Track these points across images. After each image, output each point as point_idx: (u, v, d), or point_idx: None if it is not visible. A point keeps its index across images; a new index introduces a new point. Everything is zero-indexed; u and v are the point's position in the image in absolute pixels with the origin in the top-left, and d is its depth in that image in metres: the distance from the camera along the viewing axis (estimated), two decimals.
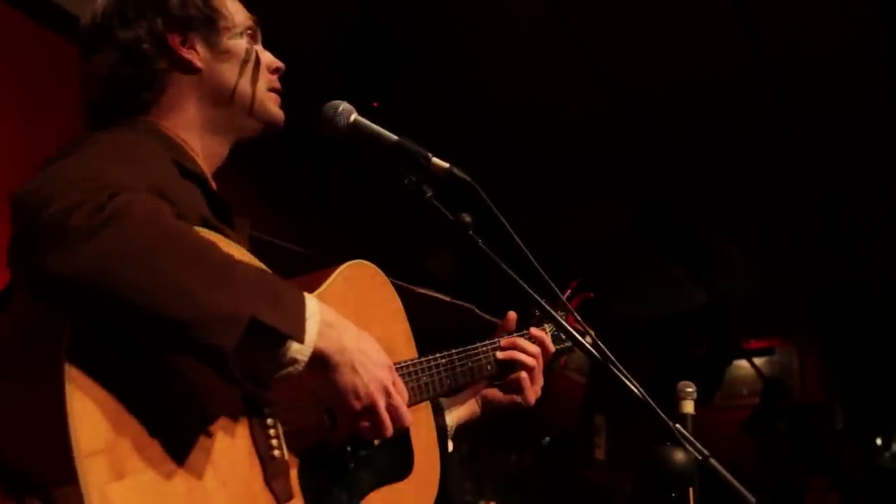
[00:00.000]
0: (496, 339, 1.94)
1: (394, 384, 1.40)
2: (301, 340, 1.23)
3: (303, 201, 4.92)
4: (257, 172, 4.02)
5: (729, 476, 1.46)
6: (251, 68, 1.62)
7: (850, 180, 5.78)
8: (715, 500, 1.74)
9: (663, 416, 1.48)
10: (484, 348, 1.90)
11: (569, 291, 2.08)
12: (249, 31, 1.65)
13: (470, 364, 1.84)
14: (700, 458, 1.48)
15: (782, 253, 7.05)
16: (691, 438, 1.51)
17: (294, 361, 1.24)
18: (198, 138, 1.58)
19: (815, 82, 4.65)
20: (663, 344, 7.90)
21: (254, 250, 1.61)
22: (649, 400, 1.47)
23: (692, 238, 6.49)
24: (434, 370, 1.74)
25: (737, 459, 2.33)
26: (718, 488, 1.50)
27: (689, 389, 2.04)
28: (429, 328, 1.93)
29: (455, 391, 1.88)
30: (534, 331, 1.98)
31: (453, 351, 1.81)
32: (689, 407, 2.03)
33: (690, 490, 1.80)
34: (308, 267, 1.66)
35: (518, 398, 1.94)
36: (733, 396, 8.22)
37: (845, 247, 6.88)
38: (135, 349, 1.16)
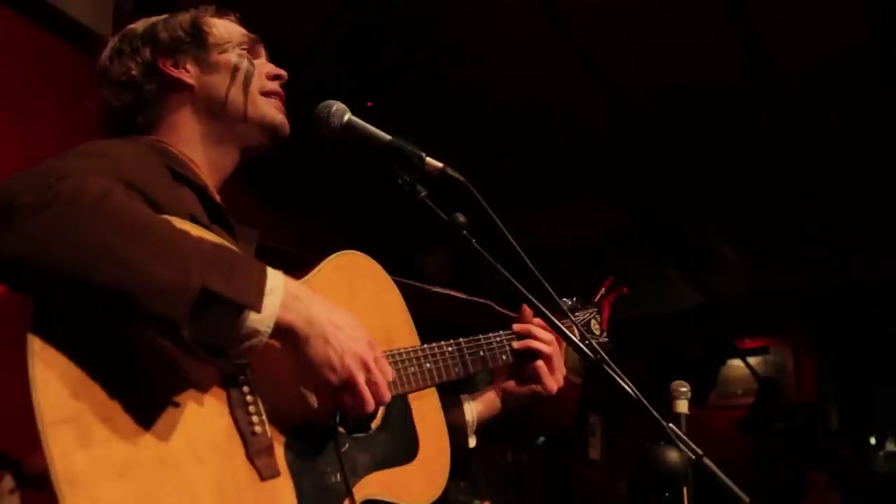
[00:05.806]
0: (513, 331, 1.93)
1: (375, 360, 1.38)
2: (258, 310, 1.22)
3: (297, 201, 4.91)
4: (252, 172, 4.01)
5: (723, 476, 1.46)
6: (242, 76, 1.66)
7: (846, 180, 5.78)
8: (709, 500, 1.74)
9: (657, 415, 1.48)
10: (498, 338, 1.89)
11: (603, 289, 2.06)
12: (244, 46, 1.71)
13: (481, 353, 1.84)
14: (694, 457, 1.48)
15: (777, 253, 7.06)
16: (685, 438, 1.51)
17: (256, 333, 1.23)
18: (200, 152, 1.64)
19: (811, 84, 4.66)
20: (658, 343, 7.90)
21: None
22: (643, 400, 1.47)
23: (688, 238, 6.49)
24: (440, 357, 1.74)
25: (731, 459, 2.34)
26: (713, 488, 1.50)
27: (684, 389, 2.05)
28: (447, 324, 1.93)
29: (468, 380, 1.85)
30: (534, 320, 1.94)
31: (462, 340, 1.81)
32: (683, 406, 2.04)
33: (685, 489, 1.81)
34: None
35: (537, 387, 1.91)
36: (728, 396, 8.22)
37: (840, 247, 6.90)
38: (104, 324, 1.18)
